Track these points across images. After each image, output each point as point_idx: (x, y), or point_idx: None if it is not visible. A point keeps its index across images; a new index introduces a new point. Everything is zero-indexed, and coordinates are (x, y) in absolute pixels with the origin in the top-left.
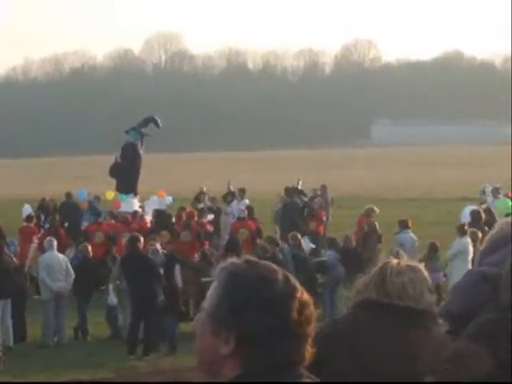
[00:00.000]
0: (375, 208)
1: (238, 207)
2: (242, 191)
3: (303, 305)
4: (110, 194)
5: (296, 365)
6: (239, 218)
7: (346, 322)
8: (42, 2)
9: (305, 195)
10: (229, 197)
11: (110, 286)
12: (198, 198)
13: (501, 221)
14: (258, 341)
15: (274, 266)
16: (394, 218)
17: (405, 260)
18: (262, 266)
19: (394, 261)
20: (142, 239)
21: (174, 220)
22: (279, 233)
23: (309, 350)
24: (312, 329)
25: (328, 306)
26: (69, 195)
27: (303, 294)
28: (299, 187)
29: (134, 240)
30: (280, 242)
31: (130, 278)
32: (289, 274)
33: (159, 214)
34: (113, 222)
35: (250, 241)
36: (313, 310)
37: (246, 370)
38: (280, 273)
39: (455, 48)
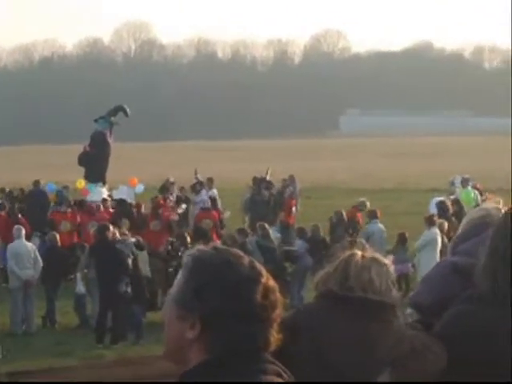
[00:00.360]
0: (367, 202)
1: (206, 197)
2: (210, 181)
3: (268, 289)
4: (80, 183)
5: (261, 350)
6: (203, 209)
7: (308, 311)
8: None
9: (272, 185)
10: (197, 186)
11: (78, 275)
12: (165, 187)
13: (479, 208)
14: (222, 325)
15: (240, 252)
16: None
17: (369, 252)
18: (227, 251)
19: (359, 253)
20: (110, 228)
21: (134, 209)
22: (248, 223)
23: (275, 336)
24: (277, 314)
25: (296, 295)
26: (36, 183)
27: (268, 280)
28: (267, 177)
29: (102, 229)
30: (249, 231)
31: (99, 267)
32: (254, 260)
33: (120, 204)
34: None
35: (214, 231)
36: (278, 296)
37: (210, 355)
38: (246, 258)
39: (424, 39)
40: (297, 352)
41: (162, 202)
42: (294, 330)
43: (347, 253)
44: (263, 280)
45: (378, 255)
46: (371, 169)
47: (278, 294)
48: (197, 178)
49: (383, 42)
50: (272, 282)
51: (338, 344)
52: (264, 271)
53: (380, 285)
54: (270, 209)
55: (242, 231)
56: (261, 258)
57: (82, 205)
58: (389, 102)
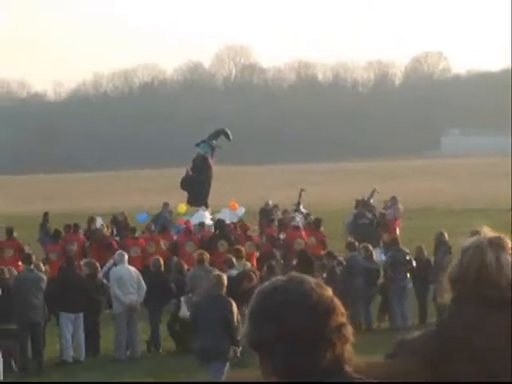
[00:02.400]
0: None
1: (299, 217)
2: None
3: (335, 311)
4: (182, 208)
5: (340, 365)
6: (294, 227)
7: (458, 321)
8: (111, 17)
9: (374, 207)
10: (296, 206)
11: (183, 299)
12: (265, 210)
13: None
14: (298, 346)
15: (309, 278)
16: (463, 229)
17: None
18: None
19: (485, 243)
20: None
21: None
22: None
23: (350, 351)
24: (348, 333)
25: (398, 315)
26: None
27: (335, 301)
28: (371, 201)
29: (201, 255)
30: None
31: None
32: (322, 284)
33: (219, 224)
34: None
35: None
36: (345, 315)
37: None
38: (313, 282)
39: None
40: (456, 364)
41: (249, 224)
42: (451, 344)
43: (474, 244)
44: (331, 302)
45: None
46: (473, 189)
47: (343, 313)
48: (299, 199)
49: (483, 62)
50: (338, 302)
51: (495, 347)
52: (330, 293)
53: None
54: (373, 230)
55: (330, 254)
56: (363, 279)
57: (164, 229)
58: (489, 122)
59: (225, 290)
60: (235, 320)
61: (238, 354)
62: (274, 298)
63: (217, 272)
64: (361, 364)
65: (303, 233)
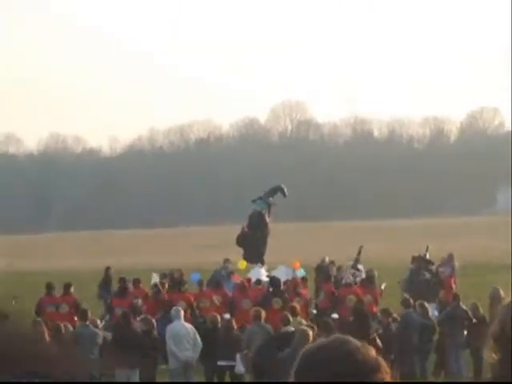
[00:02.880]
0: None
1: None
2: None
3: (380, 369)
4: (243, 264)
5: None
6: (347, 284)
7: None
8: (165, 71)
9: (431, 263)
10: (357, 263)
11: (238, 356)
12: (321, 266)
13: None
14: None
15: (354, 339)
16: None
17: None
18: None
19: None
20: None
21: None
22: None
23: None
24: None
25: (455, 370)
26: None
27: (380, 360)
28: (427, 256)
29: (257, 313)
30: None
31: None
32: (366, 345)
33: (273, 281)
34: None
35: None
36: (389, 374)
37: None
38: (359, 343)
39: None
40: None
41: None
42: None
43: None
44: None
45: None
46: None
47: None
48: (358, 256)
49: None
50: (383, 363)
51: None
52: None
53: None
54: (431, 287)
55: (385, 311)
56: (418, 336)
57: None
58: None
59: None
60: None
61: None
62: (316, 356)
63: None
64: None
65: (357, 289)
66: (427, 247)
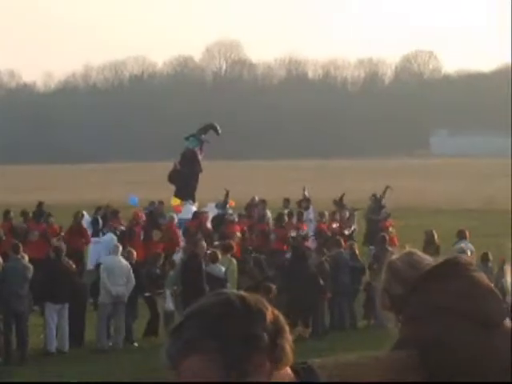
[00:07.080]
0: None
1: (312, 214)
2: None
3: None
4: (175, 200)
5: None
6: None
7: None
8: (101, 10)
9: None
10: (304, 203)
11: (167, 291)
12: (250, 206)
13: None
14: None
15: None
16: (452, 230)
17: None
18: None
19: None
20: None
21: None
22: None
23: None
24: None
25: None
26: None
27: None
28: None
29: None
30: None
31: (188, 284)
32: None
33: (216, 219)
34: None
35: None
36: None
37: None
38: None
39: None
40: None
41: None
42: None
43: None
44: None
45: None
46: (461, 189)
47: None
48: (305, 194)
49: (473, 62)
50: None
51: None
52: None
53: None
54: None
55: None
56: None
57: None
58: (478, 122)
59: None
60: None
61: None
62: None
63: None
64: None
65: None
66: (387, 187)
